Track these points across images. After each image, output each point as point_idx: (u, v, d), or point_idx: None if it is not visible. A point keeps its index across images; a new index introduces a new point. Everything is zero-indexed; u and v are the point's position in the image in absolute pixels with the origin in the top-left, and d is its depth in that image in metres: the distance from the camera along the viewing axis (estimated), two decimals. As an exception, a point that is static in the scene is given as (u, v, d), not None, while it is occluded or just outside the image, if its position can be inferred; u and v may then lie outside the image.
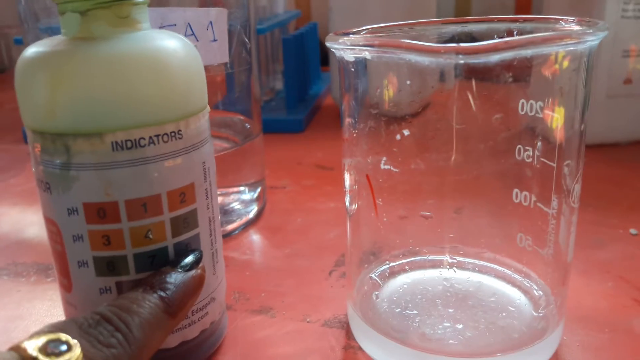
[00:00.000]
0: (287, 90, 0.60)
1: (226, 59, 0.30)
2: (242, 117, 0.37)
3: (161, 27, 0.28)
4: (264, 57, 0.66)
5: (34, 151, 0.20)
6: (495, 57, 0.16)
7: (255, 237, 0.35)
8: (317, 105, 0.65)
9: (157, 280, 0.19)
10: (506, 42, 0.15)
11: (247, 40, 0.32)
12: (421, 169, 0.20)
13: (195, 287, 0.20)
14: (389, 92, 0.21)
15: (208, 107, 0.22)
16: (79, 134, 0.18)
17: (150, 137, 0.19)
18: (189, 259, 0.20)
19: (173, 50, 0.20)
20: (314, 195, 0.41)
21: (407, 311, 0.23)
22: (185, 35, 0.29)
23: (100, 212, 0.19)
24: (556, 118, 0.21)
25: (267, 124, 0.56)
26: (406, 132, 0.19)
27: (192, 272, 0.20)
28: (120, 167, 0.19)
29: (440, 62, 0.16)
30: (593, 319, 0.26)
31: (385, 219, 0.21)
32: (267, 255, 0.33)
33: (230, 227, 0.35)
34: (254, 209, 0.37)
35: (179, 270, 0.20)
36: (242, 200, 0.37)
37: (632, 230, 0.34)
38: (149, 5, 0.21)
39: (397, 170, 0.20)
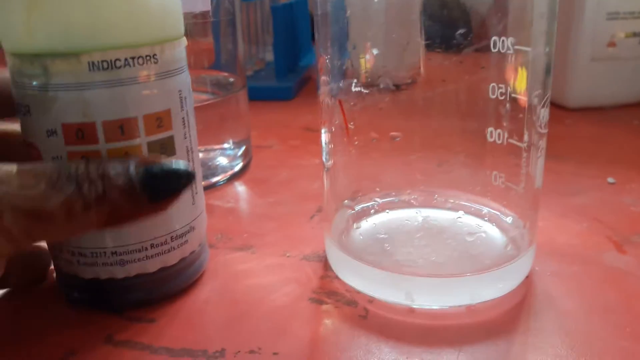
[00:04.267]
0: (277, 58, 0.60)
1: (208, 7, 0.31)
2: (226, 74, 0.38)
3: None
4: (253, 28, 0.66)
5: (12, 75, 0.20)
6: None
7: (239, 188, 0.35)
8: (307, 76, 0.66)
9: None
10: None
11: (229, -9, 0.33)
12: (391, 89, 0.20)
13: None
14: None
15: (185, 39, 0.22)
16: (56, 54, 0.19)
17: (126, 59, 0.19)
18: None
19: (148, -25, 0.20)
20: (300, 154, 0.41)
21: (382, 241, 0.24)
22: (167, -18, 0.29)
23: (79, 133, 0.20)
24: (524, 50, 0.21)
25: (256, 92, 0.56)
26: (375, 51, 0.20)
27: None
28: (98, 87, 0.19)
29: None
30: (565, 253, 0.26)
31: (356, 142, 0.22)
32: (251, 203, 0.33)
33: (214, 179, 0.35)
34: (239, 164, 0.37)
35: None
36: (227, 155, 0.37)
37: (610, 179, 0.35)
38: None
39: (366, 91, 0.20)
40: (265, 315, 0.22)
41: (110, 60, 0.19)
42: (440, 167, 0.27)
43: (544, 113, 0.22)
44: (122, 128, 0.20)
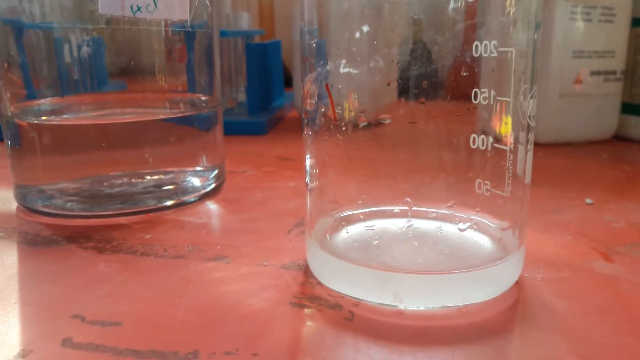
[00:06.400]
0: (250, 96, 0.60)
1: (186, 17, 0.30)
2: (200, 95, 0.37)
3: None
4: (226, 67, 0.66)
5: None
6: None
7: (212, 207, 0.34)
8: (280, 115, 0.66)
9: None
10: None
11: (208, 4, 0.32)
12: (380, 67, 0.19)
13: None
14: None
15: None
16: None
17: None
18: None
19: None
20: (275, 178, 0.40)
21: (368, 241, 0.23)
22: (145, -12, 0.29)
23: None
24: (510, 52, 0.21)
25: (229, 126, 0.55)
26: (365, 28, 0.19)
27: None
28: None
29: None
30: (554, 262, 0.25)
31: (343, 128, 0.21)
32: (224, 219, 0.32)
33: (185, 197, 0.34)
34: (211, 185, 0.36)
35: None
36: (199, 176, 0.36)
37: (588, 200, 0.34)
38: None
39: (356, 71, 0.19)
40: (243, 319, 0.20)
41: None
42: (425, 183, 0.26)
43: (532, 104, 0.22)
44: None
